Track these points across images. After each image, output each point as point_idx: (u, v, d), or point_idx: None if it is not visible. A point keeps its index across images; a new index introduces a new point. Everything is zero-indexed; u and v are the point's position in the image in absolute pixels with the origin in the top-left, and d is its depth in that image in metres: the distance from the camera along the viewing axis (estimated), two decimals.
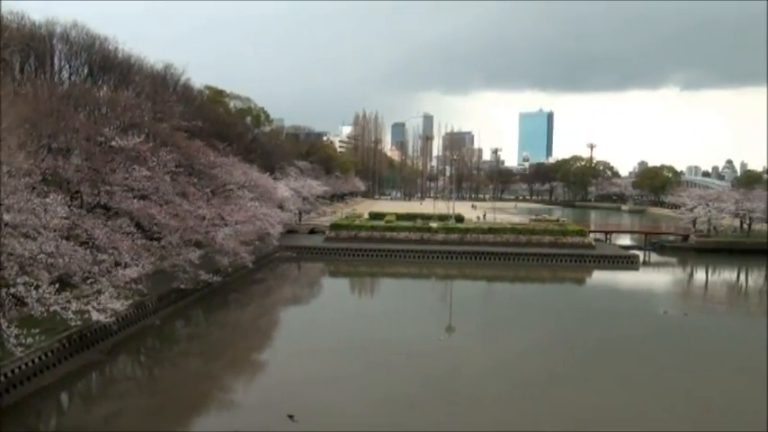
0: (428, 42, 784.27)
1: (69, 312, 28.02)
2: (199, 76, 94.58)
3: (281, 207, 73.87)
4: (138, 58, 69.24)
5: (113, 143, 40.29)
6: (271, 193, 69.23)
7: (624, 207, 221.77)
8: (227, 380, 31.24)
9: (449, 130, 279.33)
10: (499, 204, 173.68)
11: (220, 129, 76.60)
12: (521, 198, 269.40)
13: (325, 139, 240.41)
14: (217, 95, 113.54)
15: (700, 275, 77.91)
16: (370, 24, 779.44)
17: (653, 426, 26.38)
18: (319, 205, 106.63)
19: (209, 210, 48.14)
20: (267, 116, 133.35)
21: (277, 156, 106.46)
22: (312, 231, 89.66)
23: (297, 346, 36.96)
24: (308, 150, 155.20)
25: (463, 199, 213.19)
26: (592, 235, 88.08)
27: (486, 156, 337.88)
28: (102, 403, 27.18)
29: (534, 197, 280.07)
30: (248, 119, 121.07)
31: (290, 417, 24.96)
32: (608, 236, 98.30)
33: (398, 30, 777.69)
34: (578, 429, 25.66)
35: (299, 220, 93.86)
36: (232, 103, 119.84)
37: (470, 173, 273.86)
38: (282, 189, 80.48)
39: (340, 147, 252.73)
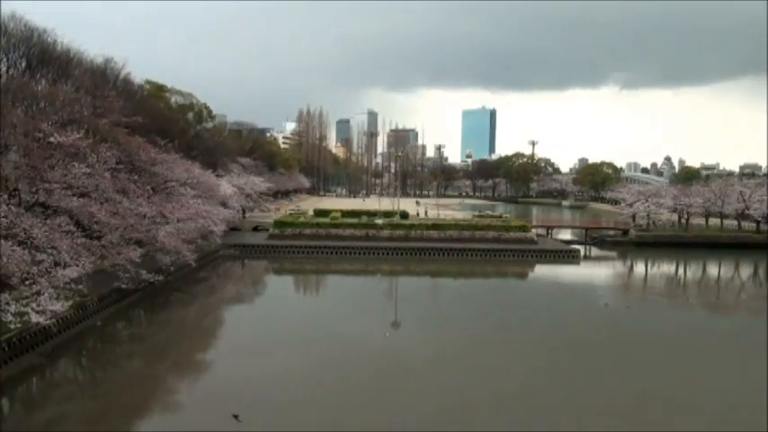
0: (372, 39, 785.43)
1: (8, 315, 27.25)
2: (140, 71, 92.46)
3: (223, 204, 73.06)
4: (78, 51, 67.65)
5: (52, 139, 39.21)
6: (213, 191, 68.44)
7: (565, 203, 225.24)
8: (170, 381, 30.79)
9: (393, 127, 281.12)
10: (443, 201, 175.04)
11: (161, 124, 75.34)
12: (464, 194, 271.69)
13: (268, 135, 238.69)
14: (158, 90, 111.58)
15: (639, 269, 79.54)
16: (315, 20, 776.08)
17: (595, 413, 26.83)
18: (263, 202, 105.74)
19: (150, 207, 47.31)
20: (209, 112, 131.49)
21: (219, 152, 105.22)
22: (256, 229, 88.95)
23: (242, 346, 36.59)
24: (251, 147, 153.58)
25: (408, 195, 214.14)
26: (534, 230, 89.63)
27: (430, 152, 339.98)
28: (44, 408, 26.47)
29: (477, 194, 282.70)
30: (190, 115, 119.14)
31: (235, 417, 24.70)
32: (550, 231, 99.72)
33: (343, 26, 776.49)
34: (518, 419, 25.93)
35: (243, 217, 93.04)
36: (173, 99, 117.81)
37: (415, 169, 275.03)
38: (225, 186, 79.61)
39: (284, 143, 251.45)
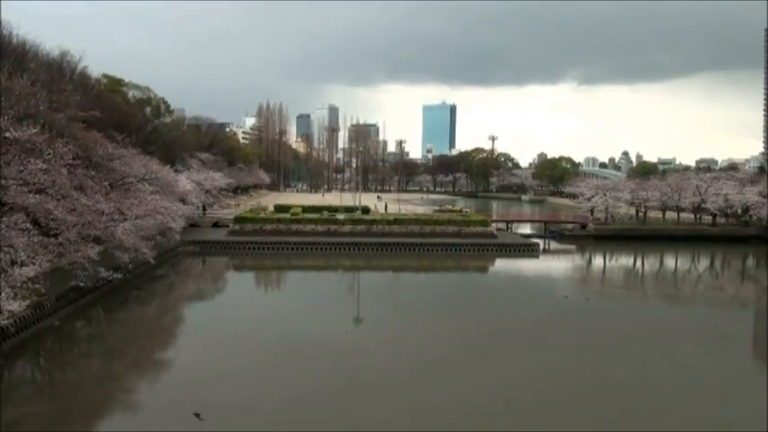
0: (333, 34, 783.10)
1: None
2: (97, 65, 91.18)
3: (182, 200, 72.34)
4: (34, 44, 66.45)
5: (8, 134, 38.39)
6: (172, 187, 67.62)
7: (525, 197, 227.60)
8: (130, 381, 30.35)
9: (354, 122, 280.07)
10: (404, 196, 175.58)
11: (119, 119, 74.41)
12: (425, 189, 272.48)
13: (228, 130, 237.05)
14: (115, 84, 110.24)
15: (598, 262, 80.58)
16: (275, 15, 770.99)
17: (557, 402, 27.13)
18: (222, 198, 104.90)
19: (107, 204, 46.55)
20: (168, 106, 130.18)
21: (178, 147, 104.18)
22: (215, 225, 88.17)
23: (202, 344, 36.23)
24: (210, 142, 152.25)
25: (369, 191, 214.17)
26: (494, 224, 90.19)
27: (392, 148, 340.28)
28: (2, 410, 25.98)
29: (438, 188, 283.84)
30: (148, 109, 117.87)
31: (197, 415, 24.46)
32: (509, 225, 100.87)
33: (303, 21, 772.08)
34: (479, 411, 26.09)
35: (203, 213, 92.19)
36: (131, 93, 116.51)
37: (376, 165, 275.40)
38: (184, 182, 78.81)
39: (243, 138, 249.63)
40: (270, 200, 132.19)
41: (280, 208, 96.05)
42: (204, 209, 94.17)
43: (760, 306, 58.60)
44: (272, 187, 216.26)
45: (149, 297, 50.15)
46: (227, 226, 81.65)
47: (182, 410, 25.08)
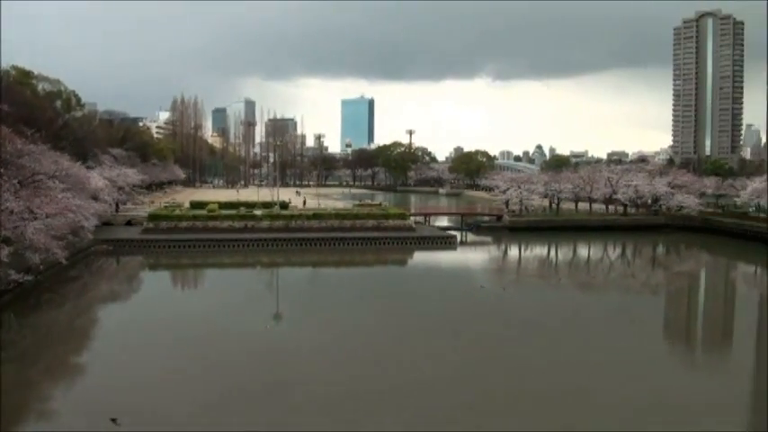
0: (248, 26, 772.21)
1: None
2: (5, 57, 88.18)
3: (95, 198, 70.53)
4: None
5: None
6: (84, 184, 65.78)
7: (442, 191, 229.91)
8: (44, 387, 29.49)
9: (272, 116, 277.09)
10: (323, 190, 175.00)
11: (28, 113, 71.97)
12: (345, 184, 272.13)
13: (141, 124, 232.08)
14: (24, 77, 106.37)
15: (513, 252, 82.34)
16: (190, 6, 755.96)
17: (476, 391, 27.62)
18: (136, 195, 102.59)
19: (17, 202, 45.03)
20: (79, 100, 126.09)
21: (90, 143, 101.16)
22: (129, 223, 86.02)
23: (118, 346, 35.42)
24: (122, 137, 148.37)
25: (288, 186, 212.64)
26: (412, 218, 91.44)
27: (310, 142, 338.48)
28: None
29: (357, 183, 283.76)
30: (58, 103, 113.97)
31: (113, 420, 23.92)
32: (427, 218, 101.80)
33: (218, 13, 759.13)
34: (403, 404, 26.35)
35: (116, 211, 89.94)
36: (40, 86, 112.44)
37: (294, 159, 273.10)
38: (96, 179, 76.70)
39: (157, 133, 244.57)
40: (185, 196, 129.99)
41: (195, 204, 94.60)
42: (117, 206, 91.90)
43: (670, 291, 61.19)
44: (188, 183, 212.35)
45: (62, 299, 48.74)
46: (142, 224, 79.78)
47: (98, 416, 24.53)
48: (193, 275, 65.42)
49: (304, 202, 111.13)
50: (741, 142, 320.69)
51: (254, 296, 51.76)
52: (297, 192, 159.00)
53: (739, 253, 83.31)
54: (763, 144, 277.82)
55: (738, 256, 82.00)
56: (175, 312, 45.90)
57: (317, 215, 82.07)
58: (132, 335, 38.13)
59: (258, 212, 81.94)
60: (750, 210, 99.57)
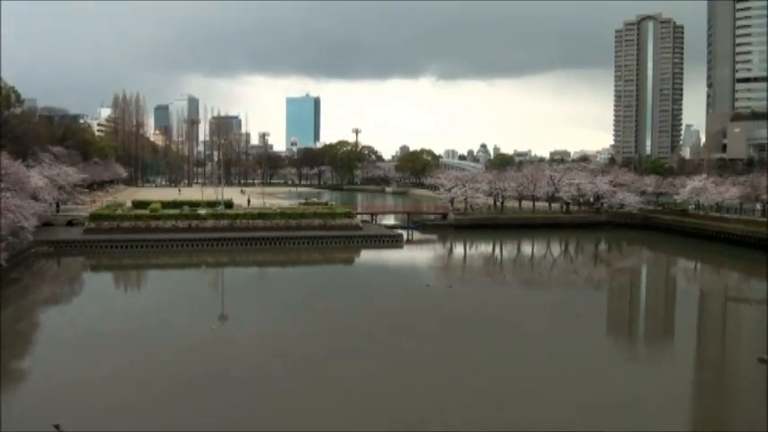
0: (190, 22, 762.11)
1: None
2: None
3: (35, 198, 68.70)
4: None
5: None
6: (23, 183, 64.20)
7: (388, 189, 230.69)
8: None
9: (216, 114, 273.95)
10: (269, 189, 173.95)
11: None
12: (290, 183, 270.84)
13: (82, 122, 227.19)
14: None
15: (459, 250, 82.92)
16: (129, 2, 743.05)
17: (424, 389, 27.71)
18: (77, 195, 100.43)
19: None
20: (18, 96, 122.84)
21: (29, 140, 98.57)
22: (70, 223, 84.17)
23: (60, 350, 34.57)
24: (63, 134, 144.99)
25: (232, 185, 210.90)
26: (359, 217, 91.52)
27: (255, 140, 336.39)
28: None
29: (303, 181, 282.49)
30: None
31: (56, 426, 23.29)
32: (374, 217, 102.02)
33: (160, 8, 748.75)
34: (346, 402, 26.32)
35: (57, 211, 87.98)
36: None
37: (238, 158, 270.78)
38: (36, 177, 74.73)
39: (99, 131, 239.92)
40: (127, 195, 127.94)
41: (138, 204, 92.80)
42: (58, 206, 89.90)
43: (612, 286, 62.44)
44: (130, 182, 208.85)
45: (2, 303, 47.29)
46: (83, 224, 78.12)
47: (40, 423, 23.85)
48: (136, 277, 64.31)
49: (248, 202, 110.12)
50: (681, 142, 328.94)
51: (198, 297, 51.12)
52: (241, 191, 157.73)
53: (679, 249, 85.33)
54: (702, 144, 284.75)
55: (678, 253, 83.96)
56: (118, 315, 44.91)
57: (262, 214, 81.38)
58: (74, 338, 37.19)
59: (202, 212, 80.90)
60: (690, 207, 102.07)
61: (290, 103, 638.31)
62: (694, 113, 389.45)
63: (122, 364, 31.69)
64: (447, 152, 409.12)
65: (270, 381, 29.51)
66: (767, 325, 41.76)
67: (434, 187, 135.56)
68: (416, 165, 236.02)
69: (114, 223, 75.04)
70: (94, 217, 76.84)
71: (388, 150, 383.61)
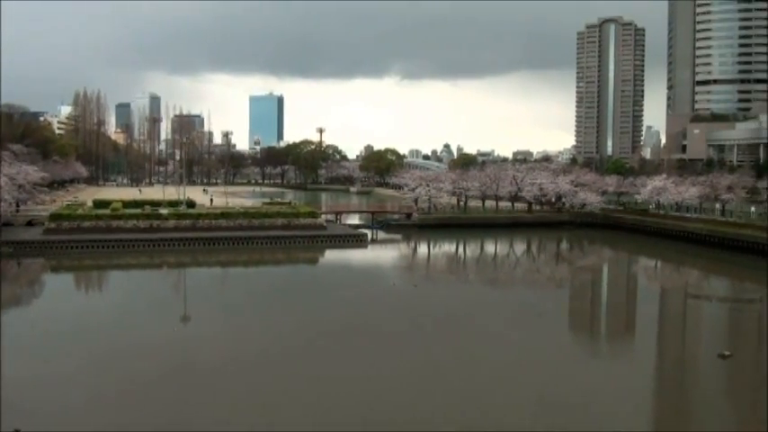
0: (151, 18, 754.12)
1: None
2: None
3: None
4: None
5: None
6: None
7: (353, 189, 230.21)
8: None
9: (178, 113, 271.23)
10: (232, 188, 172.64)
11: None
12: (254, 182, 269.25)
13: (42, 119, 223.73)
14: None
15: (423, 249, 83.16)
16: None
17: (389, 387, 27.74)
18: (37, 194, 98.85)
19: None
20: None
21: None
22: (30, 223, 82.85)
23: (19, 353, 33.89)
24: (22, 132, 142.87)
25: (194, 184, 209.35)
26: (323, 216, 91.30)
27: (218, 139, 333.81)
28: None
29: (267, 181, 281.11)
30: None
31: (17, 431, 22.95)
32: (338, 216, 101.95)
33: (119, 4, 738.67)
34: (305, 404, 26.25)
35: (16, 210, 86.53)
36: None
37: (201, 157, 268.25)
38: None
39: (59, 128, 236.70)
40: (88, 195, 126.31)
41: (99, 203, 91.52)
42: (18, 206, 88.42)
43: (574, 284, 63.19)
44: (91, 181, 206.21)
45: None
46: (43, 224, 76.88)
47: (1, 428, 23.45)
48: (97, 278, 63.46)
49: (211, 201, 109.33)
50: (641, 143, 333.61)
51: (160, 298, 50.71)
52: (204, 190, 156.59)
53: (640, 248, 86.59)
54: (662, 145, 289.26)
55: (639, 251, 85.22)
56: (79, 316, 44.28)
57: (225, 214, 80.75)
58: (35, 340, 36.65)
59: (164, 211, 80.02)
60: (650, 207, 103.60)
61: (254, 101, 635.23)
62: (655, 115, 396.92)
63: (83, 366, 31.32)
64: (411, 152, 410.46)
65: (230, 381, 29.26)
66: (727, 322, 42.69)
67: (399, 187, 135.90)
68: (381, 164, 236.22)
69: (75, 223, 73.87)
70: (55, 217, 75.59)
71: (352, 150, 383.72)
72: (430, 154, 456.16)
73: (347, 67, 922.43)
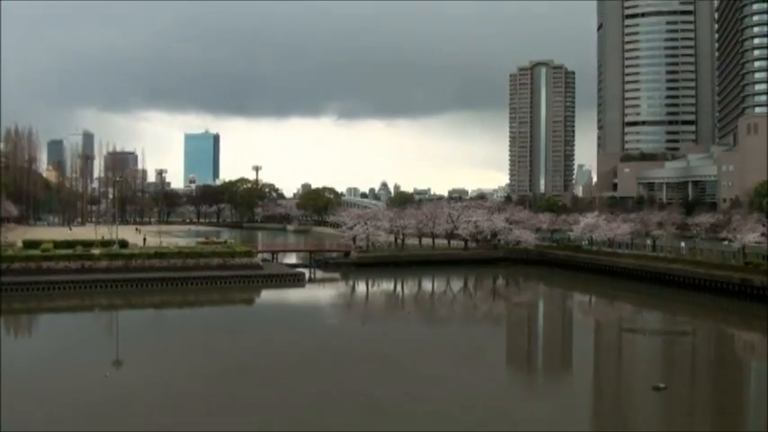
0: (84, 55, 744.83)
1: None
2: None
3: None
4: None
5: None
6: None
7: (290, 227, 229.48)
8: None
9: (111, 150, 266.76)
10: (165, 228, 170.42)
11: None
12: (188, 221, 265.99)
13: None
14: None
15: (361, 288, 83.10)
16: (24, 32, 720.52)
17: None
18: None
19: None
20: None
21: None
22: None
23: None
24: None
25: (127, 223, 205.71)
26: (259, 255, 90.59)
27: (152, 177, 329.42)
28: None
29: (202, 219, 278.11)
30: None
31: None
32: (275, 255, 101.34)
33: (53, 40, 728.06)
34: None
35: None
36: None
37: (134, 195, 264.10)
38: None
39: None
40: (18, 235, 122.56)
41: (29, 244, 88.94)
42: None
43: (511, 320, 63.90)
44: (21, 221, 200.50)
45: None
46: None
47: None
48: (27, 322, 61.32)
49: (144, 241, 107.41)
50: (573, 181, 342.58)
51: (91, 342, 49.32)
52: (137, 229, 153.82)
53: (574, 283, 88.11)
54: (593, 183, 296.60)
55: (573, 287, 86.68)
56: (5, 365, 42.72)
57: (158, 254, 79.16)
58: None
59: (96, 252, 78.19)
60: (583, 243, 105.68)
61: (189, 139, 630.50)
62: (586, 154, 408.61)
63: (5, 416, 30.12)
64: (349, 190, 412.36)
65: (163, 427, 28.58)
66: (661, 354, 43.57)
67: (337, 225, 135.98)
68: (318, 202, 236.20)
69: (4, 265, 71.48)
70: None
71: (289, 188, 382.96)
72: (368, 192, 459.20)
73: (283, 106, 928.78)
